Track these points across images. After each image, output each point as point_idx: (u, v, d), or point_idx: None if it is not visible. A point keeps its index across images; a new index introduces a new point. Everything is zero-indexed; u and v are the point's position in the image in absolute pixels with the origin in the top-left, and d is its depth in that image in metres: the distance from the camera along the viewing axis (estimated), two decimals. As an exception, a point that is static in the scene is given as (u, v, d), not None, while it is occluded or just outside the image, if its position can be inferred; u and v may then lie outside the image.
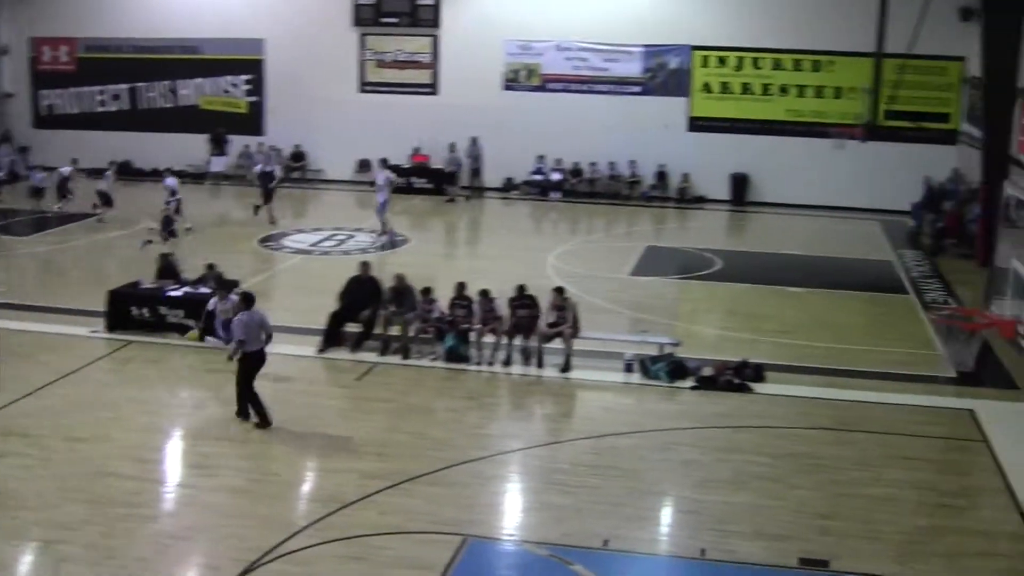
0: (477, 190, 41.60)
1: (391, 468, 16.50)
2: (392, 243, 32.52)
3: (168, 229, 30.40)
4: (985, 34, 31.66)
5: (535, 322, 21.80)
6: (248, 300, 18.37)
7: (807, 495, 16.09)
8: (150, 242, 29.58)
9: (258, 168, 35.79)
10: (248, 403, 18.09)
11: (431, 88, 43.02)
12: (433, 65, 42.88)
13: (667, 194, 41.75)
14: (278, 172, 36.21)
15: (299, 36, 42.86)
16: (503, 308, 22.03)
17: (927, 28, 31.90)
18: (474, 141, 41.41)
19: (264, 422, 17.93)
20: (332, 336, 22.37)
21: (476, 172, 41.68)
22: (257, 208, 34.67)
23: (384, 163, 35.32)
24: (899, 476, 16.94)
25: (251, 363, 18.08)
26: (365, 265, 23.35)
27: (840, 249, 34.43)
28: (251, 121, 44.34)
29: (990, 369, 22.61)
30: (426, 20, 42.44)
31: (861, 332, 25.01)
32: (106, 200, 34.62)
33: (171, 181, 33.80)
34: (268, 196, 34.69)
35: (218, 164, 43.03)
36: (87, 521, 14.57)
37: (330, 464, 16.93)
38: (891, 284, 29.86)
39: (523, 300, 22.06)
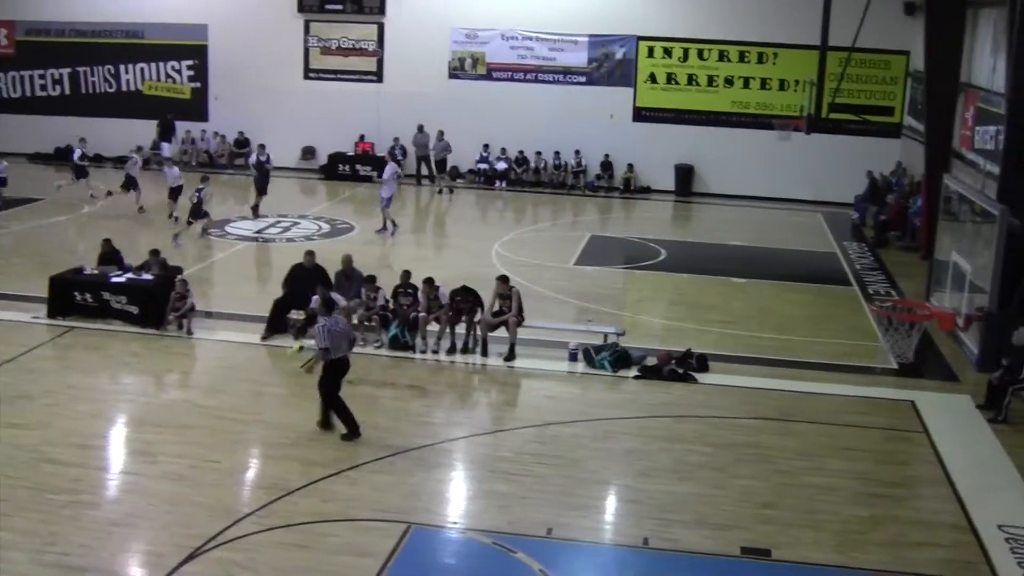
0: (429, 178, 41.37)
1: (335, 456, 16.45)
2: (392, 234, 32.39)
3: (200, 215, 30.50)
4: (928, 28, 31.87)
5: (474, 313, 21.80)
6: (329, 305, 17.86)
7: (749, 484, 16.17)
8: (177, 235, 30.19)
9: (253, 158, 35.10)
10: (336, 414, 17.37)
11: (376, 76, 42.75)
12: (378, 53, 42.62)
13: (612, 184, 41.80)
14: (270, 162, 35.54)
15: (243, 22, 42.50)
16: (447, 296, 21.99)
17: (872, 22, 32.01)
18: (420, 129, 41.19)
19: (353, 433, 17.21)
20: (276, 323, 22.20)
21: (424, 161, 41.45)
22: (255, 208, 34.06)
23: (392, 155, 34.98)
24: (841, 466, 17.07)
25: (336, 371, 17.32)
26: (309, 253, 23.18)
27: (784, 241, 34.63)
28: (194, 107, 43.87)
29: (931, 361, 22.81)
30: (371, 7, 42.16)
31: (805, 323, 25.17)
32: (132, 184, 34.29)
33: (175, 171, 33.46)
34: (263, 188, 34.14)
35: (167, 150, 42.50)
36: (27, 508, 14.42)
37: (274, 451, 16.81)
38: (835, 276, 30.07)
39: (466, 296, 22.01)
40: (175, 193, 32.53)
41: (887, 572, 13.96)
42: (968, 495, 16.22)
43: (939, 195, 27.34)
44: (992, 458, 17.86)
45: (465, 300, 21.88)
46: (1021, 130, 21.71)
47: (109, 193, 34.60)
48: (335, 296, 20.69)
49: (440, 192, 40.09)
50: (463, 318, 21.74)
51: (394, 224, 32.60)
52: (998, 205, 21.83)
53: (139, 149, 37.59)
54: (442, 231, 34.06)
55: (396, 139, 41.83)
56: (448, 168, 41.16)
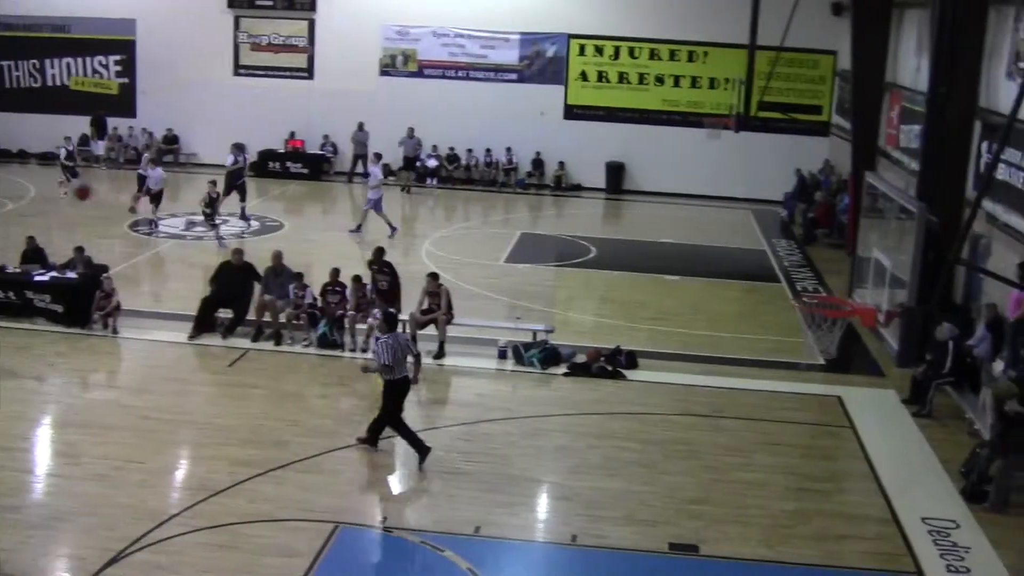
0: (363, 175, 41.06)
1: (262, 455, 16.30)
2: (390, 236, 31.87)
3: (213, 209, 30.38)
4: (855, 29, 32.23)
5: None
6: (391, 321, 17.13)
7: (678, 480, 16.24)
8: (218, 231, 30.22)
9: (229, 160, 34.05)
10: (401, 436, 16.58)
11: (307, 73, 42.45)
12: (309, 49, 42.33)
13: (543, 182, 41.78)
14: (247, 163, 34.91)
15: (172, 17, 41.89)
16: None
17: (800, 22, 32.39)
18: (360, 127, 40.97)
19: (423, 454, 16.37)
20: (203, 322, 21.99)
21: (361, 159, 41.21)
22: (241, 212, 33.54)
23: (379, 157, 34.66)
24: (768, 461, 17.19)
25: (399, 391, 16.59)
26: (238, 251, 22.99)
27: (714, 238, 34.82)
28: (122, 103, 43.24)
29: (857, 357, 23.05)
30: (302, 3, 41.82)
31: (734, 320, 25.35)
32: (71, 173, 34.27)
33: (158, 172, 32.59)
34: (229, 189, 33.15)
35: (98, 147, 41.91)
36: (-54, 512, 14.18)
37: (200, 452, 16.65)
38: (764, 273, 30.30)
39: (381, 268, 22.10)
40: (157, 198, 31.69)
41: (813, 566, 14.09)
42: (893, 488, 16.42)
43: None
44: (916, 452, 18.07)
45: (381, 271, 21.93)
46: (940, 129, 21.99)
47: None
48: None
49: (405, 190, 39.73)
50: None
51: (392, 227, 32.10)
52: (917, 202, 22.10)
53: (67, 139, 37.01)
54: (372, 229, 33.73)
55: (326, 136, 41.62)
56: (416, 166, 41.12)
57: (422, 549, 13.79)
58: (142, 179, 33.13)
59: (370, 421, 16.87)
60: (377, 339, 17.05)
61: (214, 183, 30.67)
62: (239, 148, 34.32)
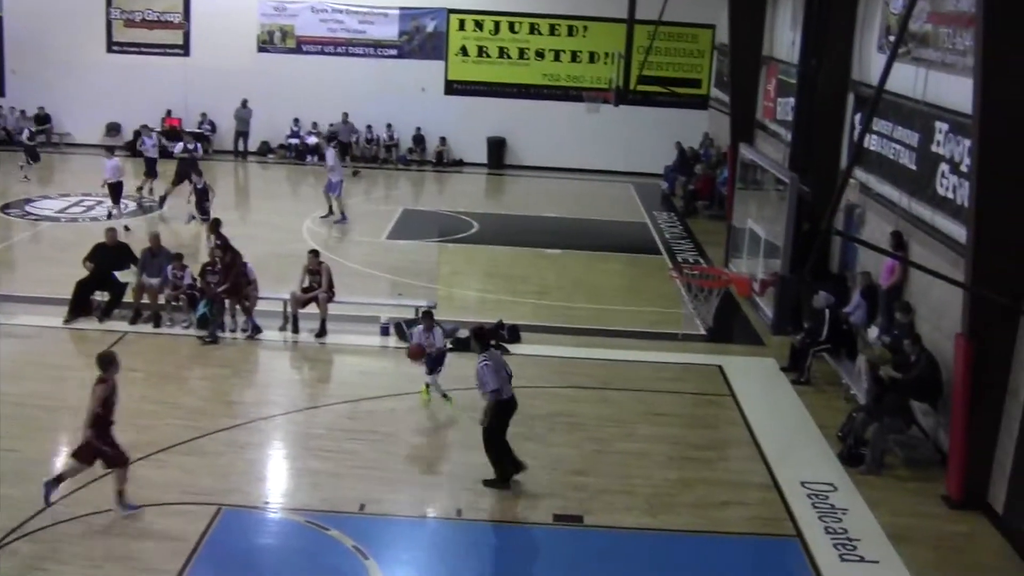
0: (241, 154, 40.60)
1: (143, 439, 15.98)
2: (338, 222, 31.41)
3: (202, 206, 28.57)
4: (732, 3, 32.55)
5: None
6: (483, 338, 15.86)
7: (563, 453, 16.34)
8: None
9: (178, 148, 33.04)
10: (489, 455, 15.32)
11: (182, 49, 41.69)
12: (184, 25, 41.57)
13: (425, 158, 41.70)
14: (199, 151, 33.44)
15: (40, -8, 40.89)
16: (255, 273, 21.65)
17: (679, -4, 32.72)
18: (244, 104, 40.45)
19: (503, 482, 15.25)
20: (79, 305, 21.53)
21: (243, 136, 40.71)
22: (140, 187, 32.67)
23: (331, 141, 33.94)
24: (652, 432, 17.37)
25: (506, 410, 15.32)
26: (111, 231, 22.52)
27: (596, 211, 35.04)
28: (-10, 81, 42.22)
29: (738, 326, 23.39)
30: (176, -22, 41.17)
31: (617, 292, 25.54)
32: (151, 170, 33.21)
33: (114, 162, 31.02)
34: (180, 178, 31.82)
35: None
36: None
37: (78, 438, 16.25)
38: (645, 245, 30.57)
39: (225, 252, 21.85)
40: (115, 191, 29.87)
41: (696, 532, 14.29)
42: (772, 454, 16.71)
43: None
44: (795, 418, 18.41)
45: (213, 272, 21.61)
46: (811, 101, 22.36)
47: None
48: None
49: (354, 174, 39.05)
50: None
51: (343, 215, 31.53)
52: (789, 173, 22.43)
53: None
54: (253, 207, 33.43)
55: (204, 114, 41.00)
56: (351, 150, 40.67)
57: (307, 529, 13.70)
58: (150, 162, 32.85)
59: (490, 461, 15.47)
60: (479, 367, 15.32)
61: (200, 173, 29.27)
62: (194, 136, 34.01)
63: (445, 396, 18.11)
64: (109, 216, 29.16)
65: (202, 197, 28.30)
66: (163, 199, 31.84)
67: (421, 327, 18.61)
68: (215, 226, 23.26)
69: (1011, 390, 15.03)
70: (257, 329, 21.15)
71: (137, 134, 38.28)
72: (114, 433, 13.89)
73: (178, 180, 31.76)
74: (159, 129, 35.95)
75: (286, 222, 30.68)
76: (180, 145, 33.01)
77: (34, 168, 35.13)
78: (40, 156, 35.85)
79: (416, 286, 24.56)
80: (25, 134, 35.83)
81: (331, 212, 31.54)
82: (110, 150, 31.49)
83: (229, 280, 21.20)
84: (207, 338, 20.68)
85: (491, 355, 15.43)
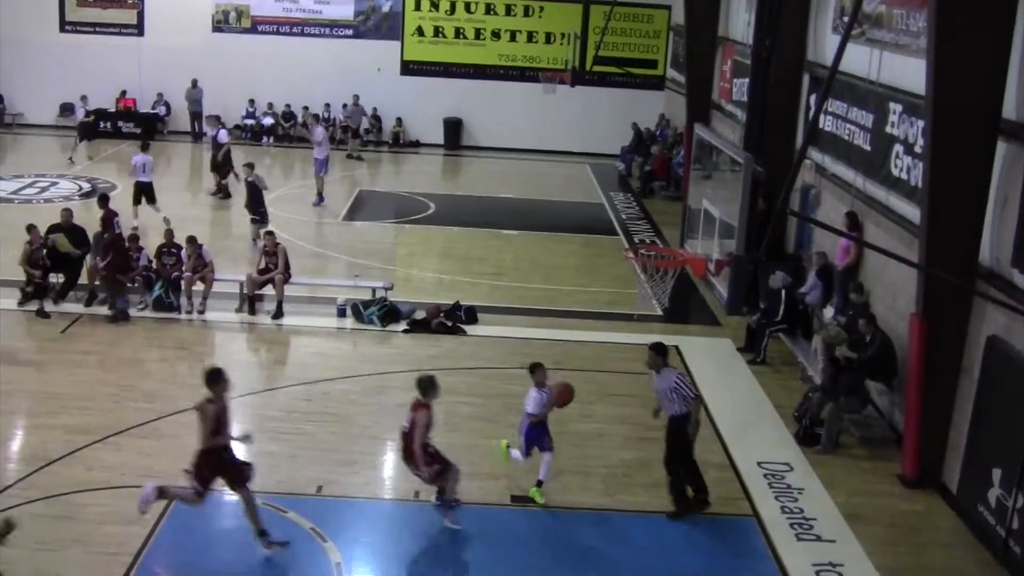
0: (197, 136, 40.26)
1: (99, 422, 15.96)
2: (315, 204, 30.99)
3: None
4: (688, -17, 32.61)
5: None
6: (664, 352, 14.69)
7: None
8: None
9: (222, 135, 32.16)
10: (674, 476, 14.61)
11: (137, 29, 41.25)
12: (139, 5, 41.11)
13: (381, 139, 41.53)
14: (225, 138, 32.12)
15: (-11, -30, 40.35)
16: (211, 255, 21.53)
17: (634, -24, 32.73)
18: (194, 84, 40.11)
19: (683, 510, 14.48)
20: (33, 288, 21.29)
21: (197, 116, 40.38)
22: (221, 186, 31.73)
23: (316, 117, 33.40)
24: (608, 412, 17.41)
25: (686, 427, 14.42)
26: (66, 211, 22.30)
27: (553, 192, 35.06)
28: (-62, 61, 41.59)
29: (694, 307, 23.48)
30: (130, -43, 40.74)
31: (573, 273, 25.57)
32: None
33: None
34: (222, 165, 31.50)
35: None
36: None
37: (33, 421, 16.22)
38: (602, 226, 30.62)
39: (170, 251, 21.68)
40: (147, 191, 27.60)
41: (653, 512, 14.34)
42: (729, 435, 16.83)
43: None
44: (751, 398, 18.53)
45: (169, 253, 21.56)
46: (765, 82, 22.35)
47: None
48: None
49: (355, 157, 38.74)
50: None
51: (320, 196, 31.19)
52: (744, 154, 22.48)
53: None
54: (208, 188, 33.08)
55: (160, 94, 40.63)
56: (361, 133, 40.35)
57: (264, 511, 13.61)
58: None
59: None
60: (659, 389, 14.52)
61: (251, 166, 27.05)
62: (214, 120, 33.38)
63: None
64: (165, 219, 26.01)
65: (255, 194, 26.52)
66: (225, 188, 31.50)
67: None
68: (103, 201, 23.16)
69: (964, 369, 15.17)
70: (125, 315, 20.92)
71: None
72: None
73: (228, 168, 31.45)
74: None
75: (241, 203, 30.43)
76: (223, 132, 32.31)
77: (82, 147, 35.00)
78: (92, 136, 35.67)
79: (372, 267, 24.47)
80: (80, 112, 35.67)
81: (322, 197, 31.18)
82: (144, 145, 28.85)
83: (109, 256, 21.04)
84: (116, 315, 20.54)
85: (673, 375, 14.44)
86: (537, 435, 14.62)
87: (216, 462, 12.76)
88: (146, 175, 27.36)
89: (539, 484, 14.46)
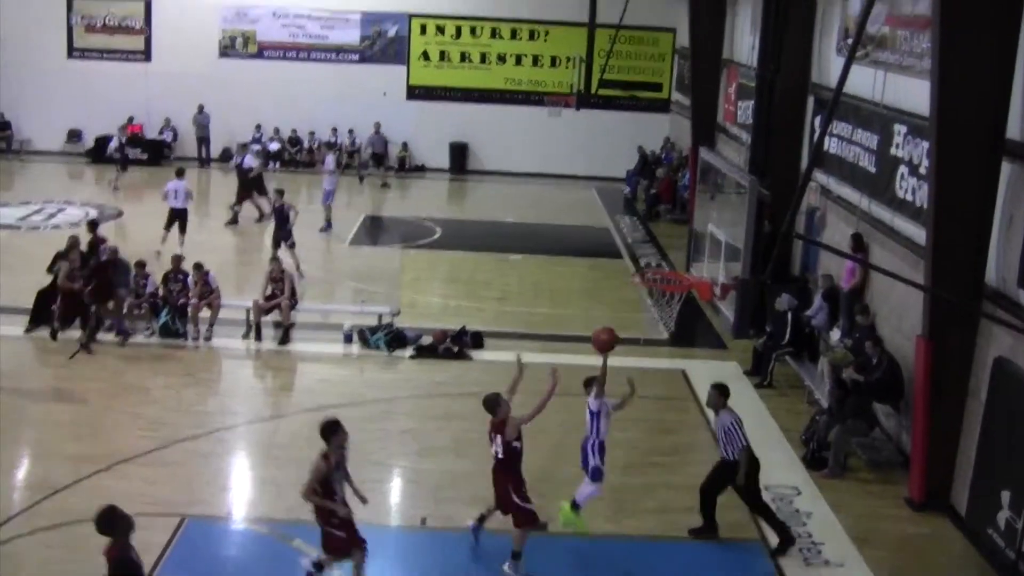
0: (204, 161, 40.35)
1: (105, 450, 15.93)
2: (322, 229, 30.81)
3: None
4: (693, 6, 32.66)
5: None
6: (726, 392, 14.69)
7: (525, 458, 16.15)
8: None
9: (235, 161, 32.74)
10: (766, 518, 14.56)
11: (144, 55, 41.44)
12: (146, 31, 41.33)
13: (387, 163, 41.56)
14: (251, 162, 32.19)
15: (0, -2, 40.50)
16: (217, 281, 21.54)
17: (640, 0, 32.75)
18: (200, 110, 40.25)
19: (786, 545, 14.33)
20: (40, 315, 21.32)
21: (204, 141, 40.51)
22: (234, 213, 31.79)
23: (329, 145, 33.67)
24: (614, 436, 17.11)
25: (757, 466, 14.45)
26: (74, 239, 22.32)
27: (558, 216, 35.07)
28: (-53, 88, 41.70)
29: (701, 330, 23.44)
30: (137, -16, 40.89)
31: (578, 297, 25.59)
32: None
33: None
34: (245, 193, 31.62)
35: None
36: None
37: (39, 449, 16.22)
38: (608, 249, 30.65)
39: (176, 276, 21.69)
40: (180, 218, 27.35)
41: (659, 538, 14.30)
42: (736, 459, 16.70)
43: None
44: (758, 422, 18.38)
45: (175, 279, 21.55)
46: (770, 104, 22.44)
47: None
48: None
49: (385, 185, 38.97)
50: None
51: (329, 223, 30.99)
52: (749, 177, 22.51)
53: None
54: (214, 214, 33.17)
55: (167, 120, 40.75)
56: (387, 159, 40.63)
57: (270, 539, 13.62)
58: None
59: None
60: (720, 427, 14.40)
61: (281, 192, 27.09)
62: (241, 148, 33.72)
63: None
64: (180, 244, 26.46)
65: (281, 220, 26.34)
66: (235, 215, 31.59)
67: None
68: (91, 227, 23.46)
69: (971, 391, 15.12)
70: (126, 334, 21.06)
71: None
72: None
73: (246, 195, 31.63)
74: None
75: (248, 229, 30.52)
76: (249, 157, 32.43)
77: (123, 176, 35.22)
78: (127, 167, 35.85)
79: (379, 293, 24.48)
80: (113, 144, 35.83)
81: (330, 224, 30.99)
82: (179, 171, 28.61)
83: (94, 280, 20.96)
84: (84, 345, 20.40)
85: (734, 411, 14.43)
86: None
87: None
88: (179, 201, 27.19)
89: (576, 506, 14.07)
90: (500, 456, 13.25)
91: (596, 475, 13.93)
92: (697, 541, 14.36)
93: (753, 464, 14.27)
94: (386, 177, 39.45)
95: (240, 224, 30.92)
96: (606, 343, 14.34)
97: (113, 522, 10.44)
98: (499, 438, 13.18)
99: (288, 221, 25.93)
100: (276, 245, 25.56)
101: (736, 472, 14.12)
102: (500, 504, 13.47)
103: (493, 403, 13.23)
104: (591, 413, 14.08)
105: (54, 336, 20.82)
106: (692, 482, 15.83)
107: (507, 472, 13.30)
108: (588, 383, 14.29)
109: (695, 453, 17.19)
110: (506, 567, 13.31)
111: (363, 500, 12.60)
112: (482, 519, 13.75)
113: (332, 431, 12.06)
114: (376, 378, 19.80)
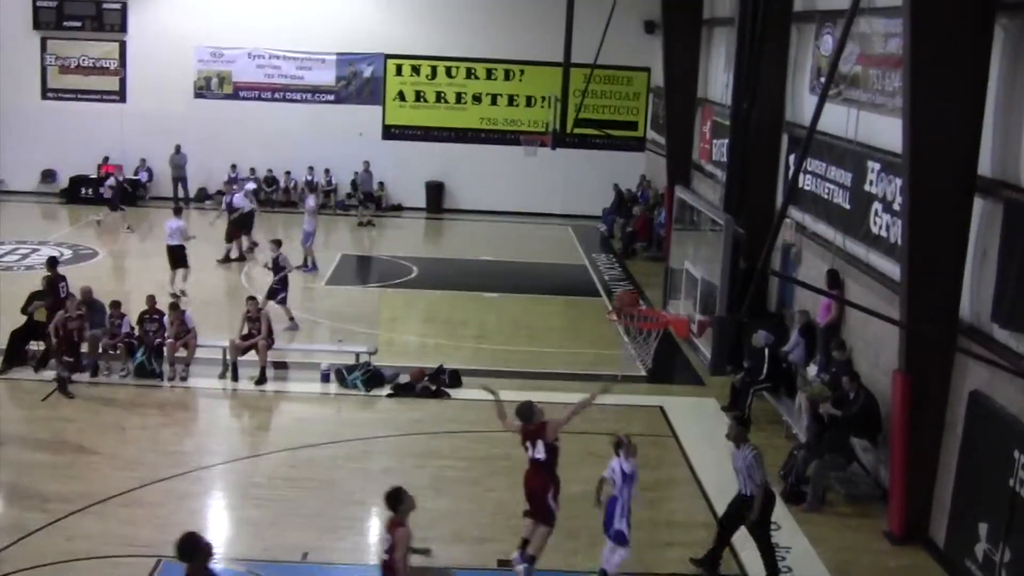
0: (184, 200, 40.25)
1: (80, 491, 15.84)
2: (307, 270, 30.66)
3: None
4: (667, 46, 32.91)
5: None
6: (747, 424, 15.01)
7: (505, 497, 16.24)
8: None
9: (226, 200, 32.95)
10: (767, 557, 14.43)
11: (119, 96, 41.43)
12: (121, 72, 41.33)
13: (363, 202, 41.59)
14: (240, 202, 32.51)
15: (-29, 38, 40.42)
16: (193, 321, 21.50)
17: (613, 40, 32.98)
18: (177, 150, 40.24)
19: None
20: (14, 355, 21.25)
21: (180, 181, 40.50)
22: (251, 246, 32.39)
23: (310, 186, 33.99)
24: (594, 473, 17.12)
25: (773, 503, 14.56)
26: (48, 279, 22.29)
27: (535, 254, 35.14)
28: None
29: (679, 366, 23.51)
30: (112, 24, 40.80)
31: (556, 335, 25.61)
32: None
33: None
34: (235, 232, 31.89)
35: None
36: None
37: (13, 491, 16.08)
38: (584, 287, 30.71)
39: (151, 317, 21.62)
40: (177, 256, 27.73)
41: (642, 575, 14.26)
42: (715, 493, 16.74)
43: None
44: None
45: (151, 319, 21.47)
46: (745, 142, 22.55)
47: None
48: None
49: (364, 224, 38.95)
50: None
51: (314, 263, 30.98)
52: (724, 215, 22.60)
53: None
54: (189, 254, 33.20)
55: (143, 160, 40.70)
56: (376, 200, 40.66)
57: (248, 579, 13.59)
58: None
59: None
60: (740, 455, 14.38)
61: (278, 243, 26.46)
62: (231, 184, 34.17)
63: None
64: (181, 292, 26.78)
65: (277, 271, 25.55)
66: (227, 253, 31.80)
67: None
68: (51, 265, 23.33)
69: (948, 424, 15.20)
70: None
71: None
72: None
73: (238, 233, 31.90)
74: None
75: (224, 268, 30.50)
76: (238, 196, 32.63)
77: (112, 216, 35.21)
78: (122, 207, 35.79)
79: (356, 332, 24.45)
80: (110, 181, 35.79)
81: (306, 263, 30.82)
82: (177, 210, 29.44)
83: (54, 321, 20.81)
84: (60, 386, 20.23)
85: (750, 445, 14.39)
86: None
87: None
88: (174, 239, 27.42)
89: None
90: (542, 458, 13.62)
91: (620, 539, 13.84)
92: (678, 577, 14.37)
93: (769, 500, 14.31)
94: (370, 216, 39.42)
95: (231, 264, 30.97)
96: (633, 299, 15.00)
97: (195, 549, 10.77)
98: (540, 443, 13.56)
99: (283, 270, 25.33)
100: (270, 296, 24.96)
101: (751, 507, 14.13)
102: (531, 502, 13.75)
103: (528, 411, 13.72)
104: (624, 475, 13.91)
105: (37, 369, 20.95)
106: (673, 518, 15.97)
107: (549, 474, 13.75)
108: (618, 444, 14.15)
109: (675, 488, 17.25)
110: (521, 569, 13.51)
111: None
112: (525, 544, 13.77)
113: (399, 500, 11.78)
114: (354, 417, 19.78)
